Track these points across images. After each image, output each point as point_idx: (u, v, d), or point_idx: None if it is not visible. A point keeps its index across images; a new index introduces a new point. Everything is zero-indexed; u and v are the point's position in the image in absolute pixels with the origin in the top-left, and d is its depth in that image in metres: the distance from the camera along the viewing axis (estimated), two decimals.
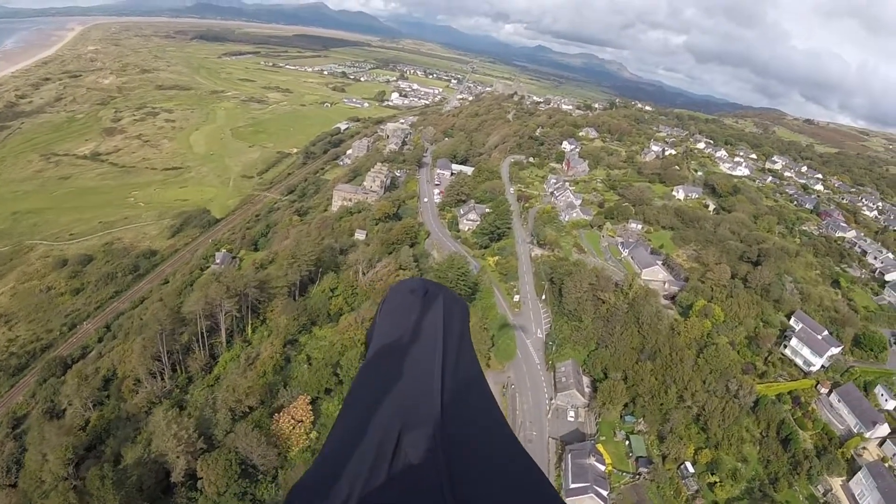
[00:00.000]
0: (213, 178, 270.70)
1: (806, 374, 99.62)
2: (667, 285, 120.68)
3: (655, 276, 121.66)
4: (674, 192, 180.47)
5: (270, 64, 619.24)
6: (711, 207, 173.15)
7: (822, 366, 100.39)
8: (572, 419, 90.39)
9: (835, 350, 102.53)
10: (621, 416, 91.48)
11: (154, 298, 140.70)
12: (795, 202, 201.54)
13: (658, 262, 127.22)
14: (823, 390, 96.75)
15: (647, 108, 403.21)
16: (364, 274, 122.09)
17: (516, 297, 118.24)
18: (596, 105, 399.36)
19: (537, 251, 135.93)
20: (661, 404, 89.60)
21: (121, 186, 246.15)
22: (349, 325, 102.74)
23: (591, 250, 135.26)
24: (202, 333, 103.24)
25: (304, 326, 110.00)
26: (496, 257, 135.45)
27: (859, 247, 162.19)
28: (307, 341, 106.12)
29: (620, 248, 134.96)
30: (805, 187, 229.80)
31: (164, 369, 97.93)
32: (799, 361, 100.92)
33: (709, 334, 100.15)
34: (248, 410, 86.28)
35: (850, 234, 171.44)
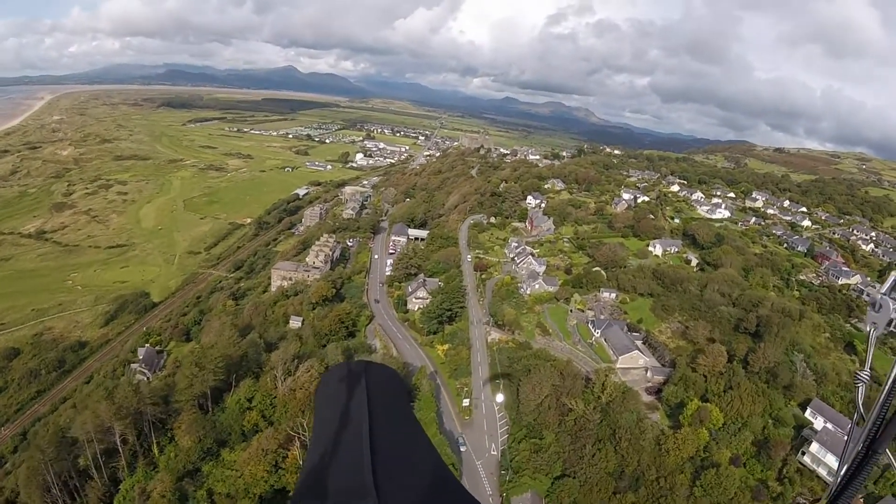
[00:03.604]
0: (157, 255, 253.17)
1: None
2: (649, 373, 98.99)
3: (635, 362, 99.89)
4: (650, 248, 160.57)
5: (235, 129, 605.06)
6: (694, 262, 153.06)
7: None
8: None
9: None
10: None
11: (76, 400, 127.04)
12: (786, 244, 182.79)
13: (637, 342, 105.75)
14: None
15: (616, 151, 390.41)
16: (283, 381, 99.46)
17: (466, 402, 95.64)
18: (564, 153, 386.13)
19: (495, 334, 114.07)
20: None
21: (60, 268, 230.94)
22: (251, 456, 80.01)
23: (557, 331, 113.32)
24: (98, 457, 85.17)
25: (209, 451, 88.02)
26: (446, 346, 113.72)
27: (868, 294, 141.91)
28: (211, 470, 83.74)
29: (591, 327, 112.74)
30: (793, 226, 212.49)
31: (57, 500, 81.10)
32: (823, 472, 78.99)
33: (706, 447, 78.22)
34: None
35: (855, 280, 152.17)
